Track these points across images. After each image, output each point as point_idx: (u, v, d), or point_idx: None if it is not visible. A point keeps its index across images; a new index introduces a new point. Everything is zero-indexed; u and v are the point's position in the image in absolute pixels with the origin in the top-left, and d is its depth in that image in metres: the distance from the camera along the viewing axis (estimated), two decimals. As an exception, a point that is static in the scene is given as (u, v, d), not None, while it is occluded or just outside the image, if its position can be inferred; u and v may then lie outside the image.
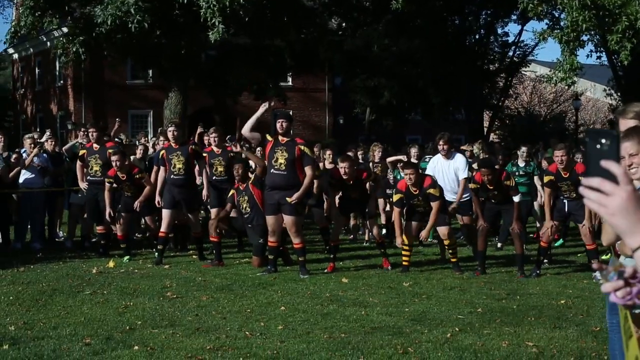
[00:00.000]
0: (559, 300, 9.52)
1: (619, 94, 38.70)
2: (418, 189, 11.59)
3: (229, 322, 8.13)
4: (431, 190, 11.54)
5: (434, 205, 11.52)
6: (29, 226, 15.07)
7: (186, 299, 9.41)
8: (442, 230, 11.93)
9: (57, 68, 41.98)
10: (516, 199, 11.50)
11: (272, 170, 11.12)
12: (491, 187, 11.49)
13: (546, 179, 11.62)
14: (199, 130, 17.23)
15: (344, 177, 11.77)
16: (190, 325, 7.93)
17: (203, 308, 8.87)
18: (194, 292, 9.86)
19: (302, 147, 11.12)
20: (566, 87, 28.67)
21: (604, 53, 28.81)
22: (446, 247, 12.16)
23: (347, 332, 7.70)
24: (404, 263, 11.81)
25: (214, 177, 13.29)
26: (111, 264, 12.11)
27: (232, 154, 13.84)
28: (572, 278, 11.31)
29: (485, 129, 39.54)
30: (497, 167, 12.46)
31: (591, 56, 28.56)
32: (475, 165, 13.68)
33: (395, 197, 11.95)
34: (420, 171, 12.41)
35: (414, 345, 7.20)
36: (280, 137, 11.14)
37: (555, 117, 47.09)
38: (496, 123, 42.92)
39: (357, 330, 7.76)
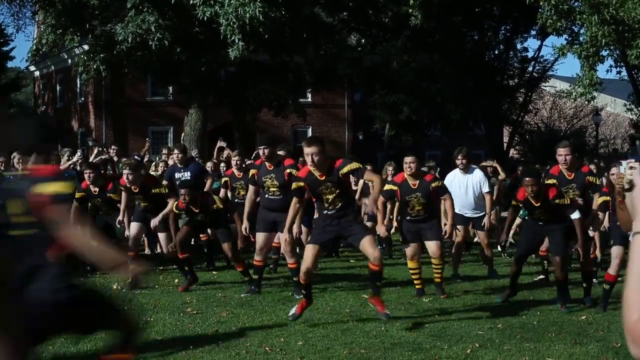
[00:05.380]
0: (579, 316, 9.47)
1: (639, 108, 38.55)
2: (417, 183, 10.56)
3: (249, 337, 8.15)
4: (437, 183, 10.61)
5: (446, 200, 10.57)
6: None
7: (206, 315, 9.43)
8: (432, 247, 10.74)
9: (78, 85, 42.26)
10: (575, 215, 9.72)
11: (266, 196, 10.71)
12: (537, 204, 9.83)
13: (548, 182, 10.38)
14: (219, 144, 17.28)
15: (311, 167, 8.63)
16: (211, 341, 7.95)
17: (223, 324, 8.89)
18: (214, 308, 9.89)
19: (290, 170, 10.38)
20: (586, 102, 28.60)
21: (624, 68, 28.72)
22: (433, 266, 10.93)
23: (367, 347, 7.69)
24: (417, 287, 10.94)
25: (236, 200, 13.14)
26: (131, 279, 12.17)
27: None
28: (592, 294, 11.25)
29: (505, 145, 39.45)
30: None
31: (611, 71, 28.63)
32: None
33: (387, 187, 10.64)
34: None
35: (433, 361, 7.19)
36: (266, 164, 10.61)
37: (575, 132, 46.90)
38: (516, 138, 42.79)
39: (377, 346, 7.75)
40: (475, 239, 14.59)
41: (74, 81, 42.19)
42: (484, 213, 12.45)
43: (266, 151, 10.55)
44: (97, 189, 12.80)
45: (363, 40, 32.19)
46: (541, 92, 43.76)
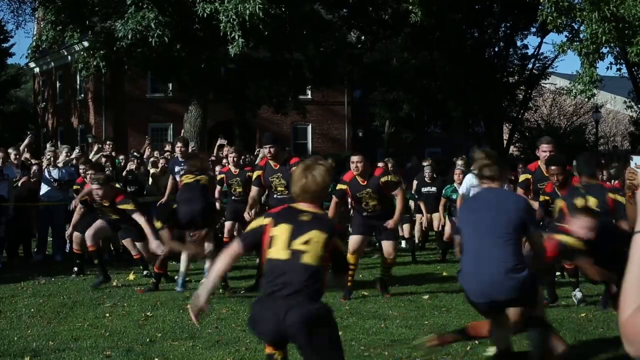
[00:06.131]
0: (579, 313, 9.46)
1: (639, 105, 38.52)
2: (366, 180, 10.17)
3: (249, 334, 8.12)
4: (387, 178, 10.20)
5: (397, 193, 10.22)
6: (50, 238, 15.18)
7: (206, 312, 9.41)
8: (388, 247, 10.49)
9: (78, 82, 42.27)
10: None
11: (275, 196, 10.54)
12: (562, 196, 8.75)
13: (522, 178, 9.94)
14: (220, 142, 17.24)
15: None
16: (210, 338, 7.95)
17: (223, 320, 8.89)
18: (214, 305, 9.86)
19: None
20: (586, 100, 28.58)
21: (624, 65, 28.70)
22: (383, 267, 10.78)
23: (367, 345, 7.69)
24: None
25: (232, 197, 12.56)
26: (131, 276, 12.17)
27: (249, 174, 12.24)
28: (592, 290, 11.24)
29: (505, 142, 39.45)
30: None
31: (611, 68, 28.52)
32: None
33: (338, 187, 10.41)
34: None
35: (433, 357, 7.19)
36: (272, 163, 10.56)
37: (575, 129, 46.91)
38: (516, 136, 42.80)
39: (377, 343, 7.75)
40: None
41: (73, 78, 42.17)
42: None
43: (272, 150, 10.48)
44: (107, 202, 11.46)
45: (363, 38, 32.19)
46: (541, 89, 43.77)
